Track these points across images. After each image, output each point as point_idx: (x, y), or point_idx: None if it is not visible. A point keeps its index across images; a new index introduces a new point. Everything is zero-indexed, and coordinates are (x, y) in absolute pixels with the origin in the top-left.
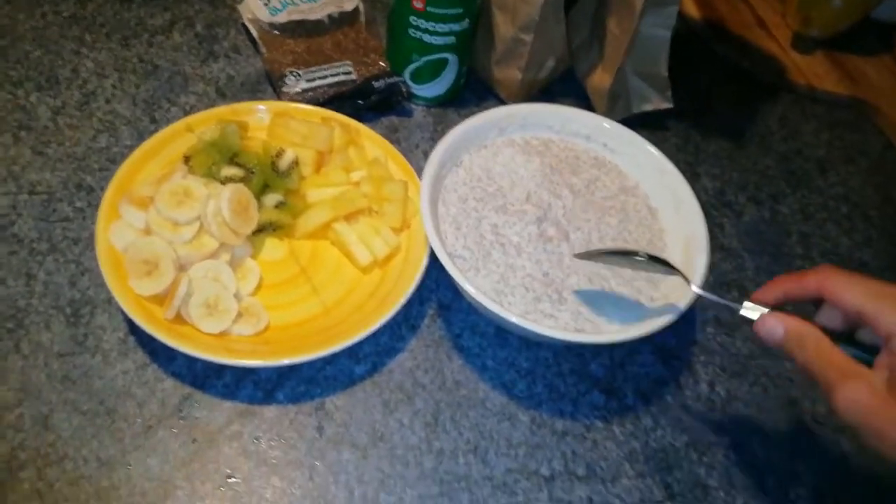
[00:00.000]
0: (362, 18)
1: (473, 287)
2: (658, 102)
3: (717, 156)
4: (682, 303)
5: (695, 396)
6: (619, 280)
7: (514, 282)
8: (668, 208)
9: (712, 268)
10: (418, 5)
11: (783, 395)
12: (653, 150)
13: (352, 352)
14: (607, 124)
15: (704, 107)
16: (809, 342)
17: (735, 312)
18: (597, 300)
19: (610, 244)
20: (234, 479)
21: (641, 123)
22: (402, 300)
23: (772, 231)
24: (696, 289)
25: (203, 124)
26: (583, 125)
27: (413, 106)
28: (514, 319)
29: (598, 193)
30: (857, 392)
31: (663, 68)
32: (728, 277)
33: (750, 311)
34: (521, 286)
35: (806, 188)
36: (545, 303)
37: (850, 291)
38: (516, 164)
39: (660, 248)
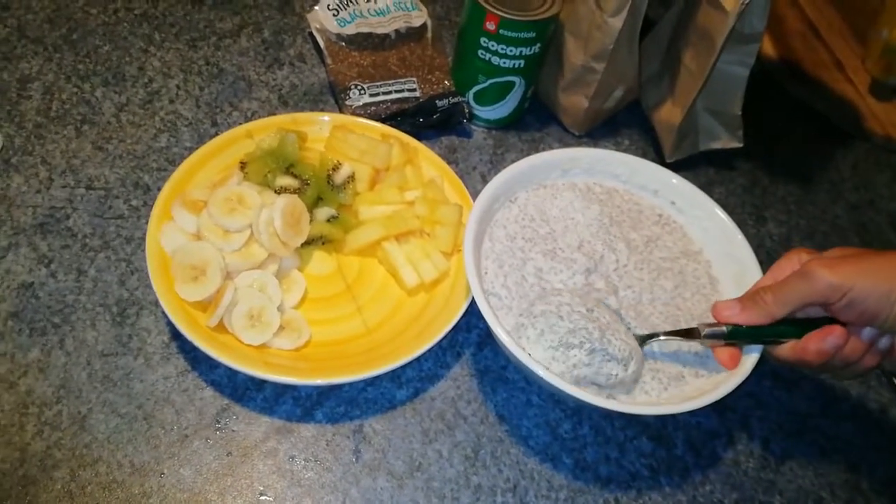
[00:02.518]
0: (429, 35)
1: (502, 329)
2: (727, 141)
3: (785, 200)
4: (724, 388)
5: (748, 452)
6: (664, 349)
7: None
8: (729, 279)
9: None
10: (490, 27)
11: (841, 458)
12: (723, 215)
13: (394, 375)
14: (677, 181)
15: (774, 148)
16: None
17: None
18: None
19: (661, 308)
20: (266, 498)
21: (707, 161)
22: (448, 326)
23: None
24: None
25: (263, 131)
26: (652, 179)
27: (473, 127)
28: (539, 372)
29: (656, 253)
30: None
31: (737, 107)
32: None
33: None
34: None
35: (877, 242)
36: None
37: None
38: (574, 209)
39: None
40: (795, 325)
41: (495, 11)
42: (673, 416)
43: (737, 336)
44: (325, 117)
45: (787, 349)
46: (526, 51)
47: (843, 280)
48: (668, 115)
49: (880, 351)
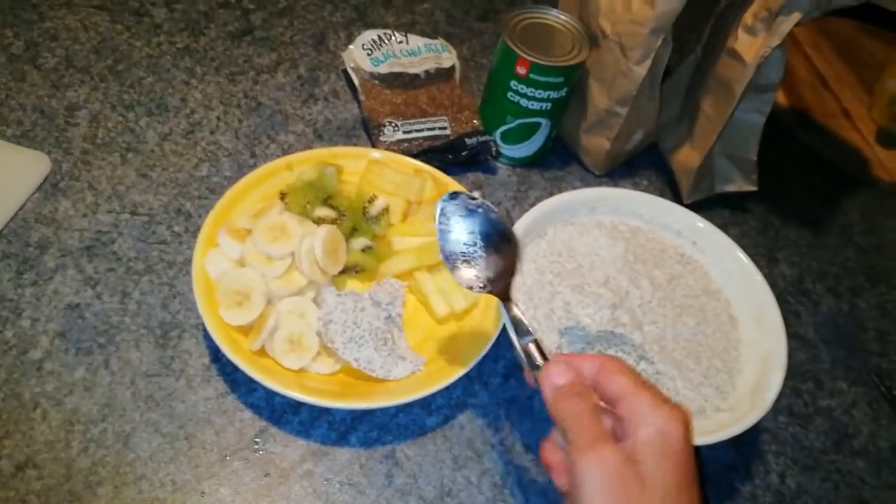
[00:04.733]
0: (457, 76)
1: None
2: (742, 185)
3: (797, 243)
4: (745, 423)
5: (764, 486)
6: (687, 383)
7: None
8: (749, 319)
9: (787, 356)
10: (521, 71)
11: (855, 494)
12: (743, 257)
13: (424, 402)
14: (701, 224)
15: (785, 192)
16: (581, 401)
17: (520, 351)
18: None
19: (683, 344)
20: None
21: (722, 203)
22: (479, 356)
23: (849, 324)
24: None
25: (302, 164)
26: (675, 220)
27: (499, 164)
28: None
29: (679, 291)
30: (605, 459)
31: (753, 153)
32: (804, 367)
33: (534, 350)
34: None
35: (885, 285)
36: None
37: (622, 378)
38: (600, 245)
39: (734, 356)
40: None
41: (527, 56)
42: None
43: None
44: (362, 151)
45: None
46: (553, 94)
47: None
48: (687, 158)
49: None
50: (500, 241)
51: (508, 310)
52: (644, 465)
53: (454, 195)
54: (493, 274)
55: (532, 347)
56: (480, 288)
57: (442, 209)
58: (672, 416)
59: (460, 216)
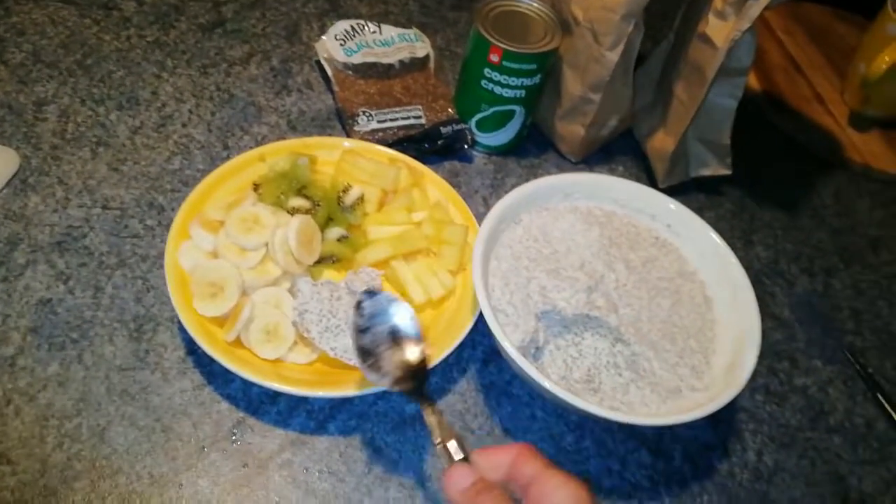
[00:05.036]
0: (431, 65)
1: (511, 344)
2: (717, 168)
3: (772, 226)
4: (720, 400)
5: (742, 464)
6: (663, 364)
7: None
8: (723, 300)
9: (763, 336)
10: (494, 59)
11: (831, 470)
12: (717, 239)
13: None
14: (674, 206)
15: (760, 176)
16: (490, 496)
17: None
18: (636, 379)
19: (659, 325)
20: None
21: (697, 187)
22: (456, 342)
23: (823, 304)
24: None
25: (275, 154)
26: (649, 203)
27: (475, 153)
28: (546, 384)
29: (654, 273)
30: None
31: (726, 136)
32: (779, 347)
33: (453, 450)
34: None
35: (859, 264)
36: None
37: (535, 461)
38: (575, 230)
39: (709, 337)
40: None
41: (499, 44)
42: (671, 430)
43: None
44: (335, 141)
45: None
46: (527, 81)
47: None
48: (661, 143)
49: None
50: (413, 341)
51: (424, 412)
52: None
53: (371, 293)
54: (403, 373)
55: (451, 447)
56: (392, 384)
57: (359, 303)
58: (580, 486)
59: (376, 313)
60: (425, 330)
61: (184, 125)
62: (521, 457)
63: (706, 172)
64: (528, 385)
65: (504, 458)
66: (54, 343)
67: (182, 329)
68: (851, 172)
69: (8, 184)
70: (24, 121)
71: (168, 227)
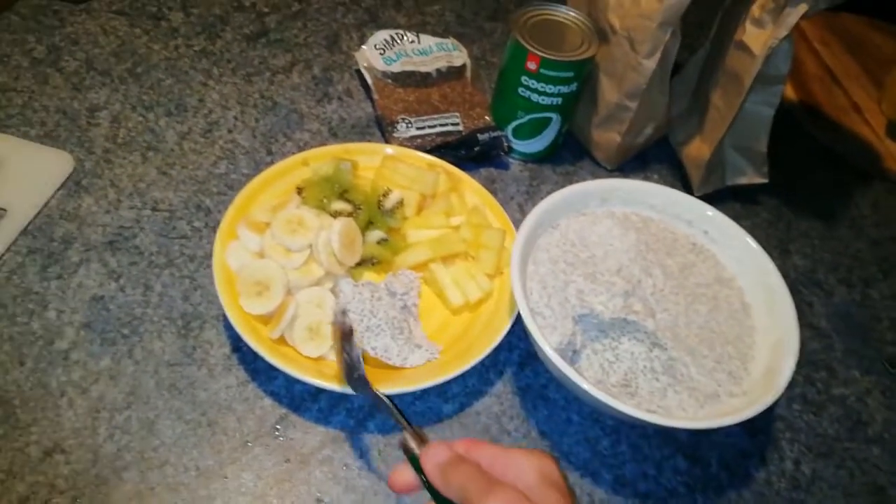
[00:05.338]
0: (468, 74)
1: (549, 346)
2: (753, 177)
3: (809, 235)
4: (759, 406)
5: (779, 473)
6: (700, 369)
7: None
8: (761, 306)
9: (801, 346)
10: (532, 67)
11: (869, 480)
12: (755, 245)
13: (441, 390)
14: (711, 212)
15: (796, 186)
16: (467, 465)
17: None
18: (673, 384)
19: (696, 331)
20: (323, 503)
21: (733, 195)
22: (493, 344)
23: (862, 314)
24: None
25: (318, 159)
26: (686, 209)
27: (511, 160)
28: (584, 386)
29: (691, 279)
30: (507, 493)
31: (763, 144)
32: (817, 357)
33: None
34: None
35: None
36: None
37: (489, 447)
38: (612, 235)
39: (747, 344)
40: None
41: (537, 52)
42: (707, 437)
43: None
44: (377, 147)
45: None
46: (564, 89)
47: None
48: (697, 150)
49: None
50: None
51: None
52: (536, 497)
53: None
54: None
55: (407, 437)
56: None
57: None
58: (544, 456)
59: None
60: (463, 331)
61: (229, 131)
62: (474, 444)
63: (742, 181)
64: (564, 388)
65: (459, 447)
66: (106, 338)
67: (227, 327)
68: (890, 183)
69: (63, 186)
70: (78, 126)
71: (214, 228)
